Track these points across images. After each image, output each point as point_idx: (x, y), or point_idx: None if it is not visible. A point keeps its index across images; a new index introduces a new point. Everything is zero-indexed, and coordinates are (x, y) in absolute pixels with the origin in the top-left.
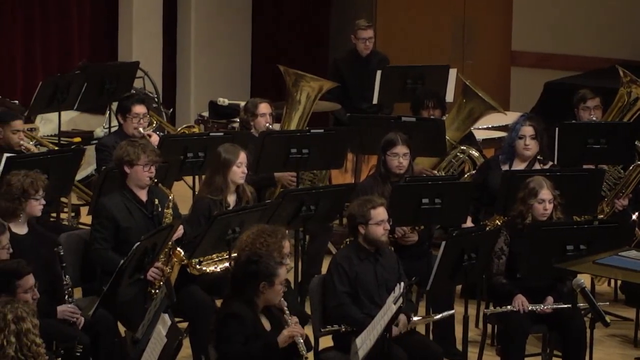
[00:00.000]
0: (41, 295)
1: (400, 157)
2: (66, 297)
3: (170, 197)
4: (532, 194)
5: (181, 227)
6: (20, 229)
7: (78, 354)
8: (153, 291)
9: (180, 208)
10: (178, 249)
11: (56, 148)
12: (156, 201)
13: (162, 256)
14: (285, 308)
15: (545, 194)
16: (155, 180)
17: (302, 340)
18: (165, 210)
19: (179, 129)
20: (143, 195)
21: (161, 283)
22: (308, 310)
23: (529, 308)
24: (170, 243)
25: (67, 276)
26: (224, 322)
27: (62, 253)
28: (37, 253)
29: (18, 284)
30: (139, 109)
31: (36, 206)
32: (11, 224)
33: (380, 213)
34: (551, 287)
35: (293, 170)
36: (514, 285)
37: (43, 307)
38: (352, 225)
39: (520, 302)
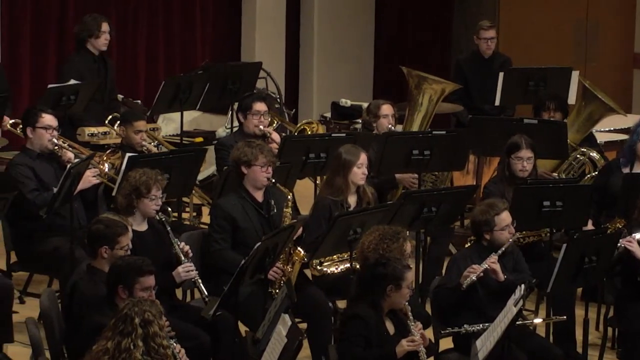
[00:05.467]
0: (157, 296)
1: (524, 161)
2: (183, 259)
3: (289, 197)
4: None
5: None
6: (140, 226)
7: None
8: (274, 291)
9: (301, 208)
10: (298, 248)
11: (174, 148)
12: (272, 202)
13: (282, 256)
14: (410, 313)
15: None
16: (273, 180)
17: (424, 349)
18: (284, 210)
19: (298, 125)
20: (259, 195)
21: (282, 283)
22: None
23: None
24: (290, 243)
25: (181, 243)
26: (347, 323)
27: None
28: (156, 252)
29: (138, 279)
30: (260, 106)
31: (149, 205)
32: (130, 220)
33: (504, 218)
34: None
35: (415, 172)
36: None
37: None
38: (477, 232)
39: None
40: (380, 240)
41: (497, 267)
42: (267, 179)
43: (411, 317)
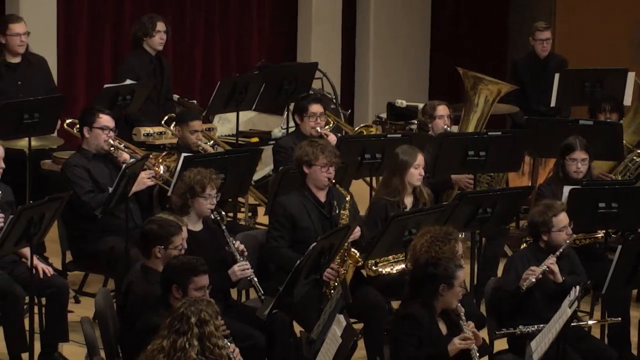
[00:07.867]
0: (212, 295)
1: (578, 162)
2: (238, 258)
3: (347, 198)
4: None
5: (358, 228)
6: (195, 226)
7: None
8: (328, 292)
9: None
10: (353, 250)
11: (230, 148)
12: (334, 202)
13: (337, 257)
14: (462, 313)
15: None
16: (334, 181)
17: (476, 348)
18: (342, 212)
19: (356, 128)
20: (322, 195)
21: (336, 284)
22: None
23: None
24: (346, 244)
25: (237, 242)
26: (400, 323)
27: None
28: (211, 251)
29: (192, 279)
30: (316, 108)
31: (204, 205)
32: (185, 219)
33: (562, 219)
34: None
35: (470, 172)
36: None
37: None
38: (535, 233)
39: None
40: (432, 243)
41: (556, 268)
42: (327, 179)
43: (463, 317)
